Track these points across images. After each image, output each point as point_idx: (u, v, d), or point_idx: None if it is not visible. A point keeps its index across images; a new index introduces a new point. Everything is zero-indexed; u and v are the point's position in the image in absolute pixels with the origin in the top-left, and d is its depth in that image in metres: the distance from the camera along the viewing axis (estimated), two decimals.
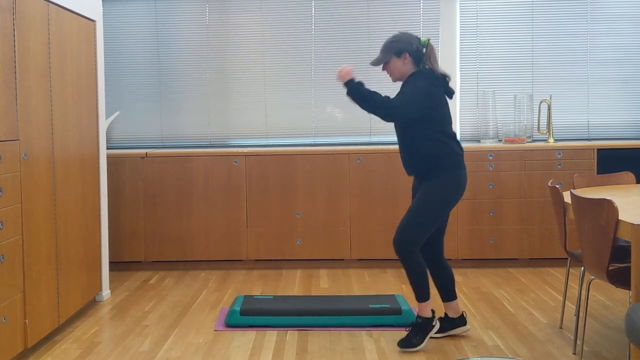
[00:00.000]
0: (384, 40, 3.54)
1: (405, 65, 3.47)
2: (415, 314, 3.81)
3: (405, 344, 3.45)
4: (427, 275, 3.46)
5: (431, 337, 3.61)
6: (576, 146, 5.22)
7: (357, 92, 3.34)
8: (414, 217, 3.42)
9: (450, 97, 3.49)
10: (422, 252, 3.61)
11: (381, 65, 3.54)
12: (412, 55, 3.45)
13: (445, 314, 3.65)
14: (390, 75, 3.54)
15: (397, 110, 3.32)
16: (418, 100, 3.34)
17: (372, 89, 3.38)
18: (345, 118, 5.74)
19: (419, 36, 3.54)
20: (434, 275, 3.65)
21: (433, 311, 3.53)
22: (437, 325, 3.53)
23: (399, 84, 3.64)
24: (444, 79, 3.44)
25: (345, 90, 3.40)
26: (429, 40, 3.48)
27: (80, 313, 4.22)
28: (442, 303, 3.78)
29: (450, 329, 3.64)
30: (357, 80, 3.38)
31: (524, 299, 4.38)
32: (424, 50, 3.47)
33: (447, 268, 3.63)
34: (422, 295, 3.47)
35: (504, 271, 5.18)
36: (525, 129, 5.51)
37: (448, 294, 3.63)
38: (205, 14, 5.77)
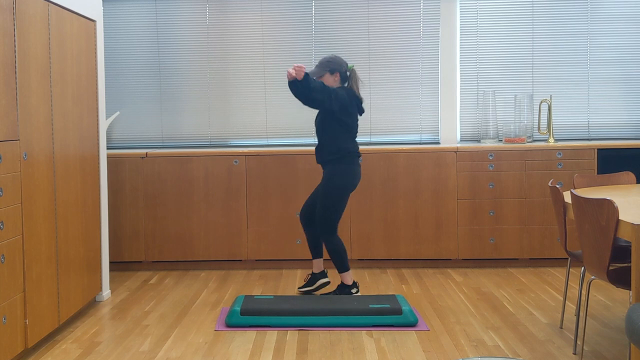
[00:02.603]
0: (324, 57, 4.42)
1: (334, 82, 4.40)
2: (416, 313, 3.91)
3: None
4: (346, 252, 4.42)
5: (300, 291, 4.60)
6: (576, 146, 5.22)
7: (309, 80, 4.15)
8: (324, 208, 4.37)
9: (360, 114, 4.44)
10: (302, 216, 4.59)
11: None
12: (341, 76, 4.41)
13: (312, 272, 4.61)
14: None
15: (333, 98, 4.20)
16: (341, 101, 4.27)
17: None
18: None
19: (347, 62, 4.46)
20: (308, 236, 4.59)
21: (355, 282, 4.45)
22: (357, 293, 4.42)
23: None
24: (358, 99, 4.37)
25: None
26: (353, 66, 4.43)
27: (80, 313, 4.22)
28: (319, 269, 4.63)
29: (315, 282, 4.57)
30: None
31: (524, 299, 4.38)
32: (349, 73, 4.41)
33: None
34: (342, 267, 4.40)
35: (504, 271, 5.18)
36: (525, 129, 5.51)
37: (316, 252, 4.58)
38: (205, 14, 5.77)
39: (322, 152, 4.43)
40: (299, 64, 4.15)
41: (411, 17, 5.68)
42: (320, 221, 4.39)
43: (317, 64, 4.46)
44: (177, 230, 5.33)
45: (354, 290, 4.42)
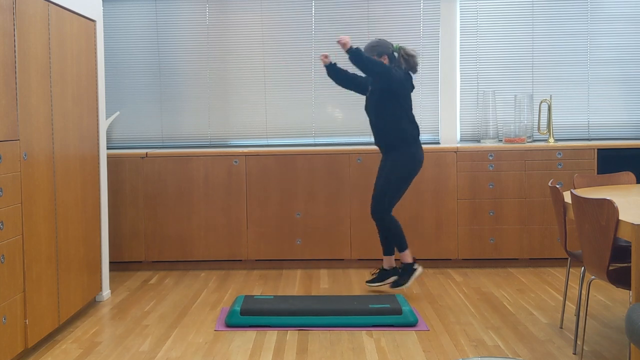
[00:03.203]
0: (369, 42, 4.46)
1: None
2: (416, 313, 3.90)
3: (395, 285, 4.46)
4: (402, 230, 4.45)
5: (371, 289, 4.61)
6: (576, 146, 5.22)
7: (361, 53, 4.20)
8: (385, 189, 4.41)
9: (411, 90, 4.45)
10: (373, 212, 4.50)
11: None
12: (389, 57, 4.42)
13: (382, 267, 4.57)
14: None
15: (391, 71, 4.25)
16: (397, 76, 4.31)
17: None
18: (345, 118, 5.74)
19: (392, 42, 4.50)
20: (381, 232, 4.55)
21: (414, 258, 4.49)
22: (420, 269, 4.47)
23: None
24: (410, 76, 4.41)
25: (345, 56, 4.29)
26: (399, 45, 4.43)
27: (80, 313, 4.22)
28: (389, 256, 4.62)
29: (386, 279, 4.54)
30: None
31: (524, 299, 4.38)
32: (396, 54, 4.43)
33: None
34: (401, 246, 4.43)
35: (504, 271, 5.18)
36: (525, 129, 5.51)
37: (388, 248, 4.54)
38: (205, 14, 5.77)
39: (383, 135, 4.43)
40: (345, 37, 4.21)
41: (411, 17, 5.68)
42: (376, 201, 4.41)
43: (363, 49, 4.42)
44: (177, 230, 5.33)
45: (415, 266, 4.45)
